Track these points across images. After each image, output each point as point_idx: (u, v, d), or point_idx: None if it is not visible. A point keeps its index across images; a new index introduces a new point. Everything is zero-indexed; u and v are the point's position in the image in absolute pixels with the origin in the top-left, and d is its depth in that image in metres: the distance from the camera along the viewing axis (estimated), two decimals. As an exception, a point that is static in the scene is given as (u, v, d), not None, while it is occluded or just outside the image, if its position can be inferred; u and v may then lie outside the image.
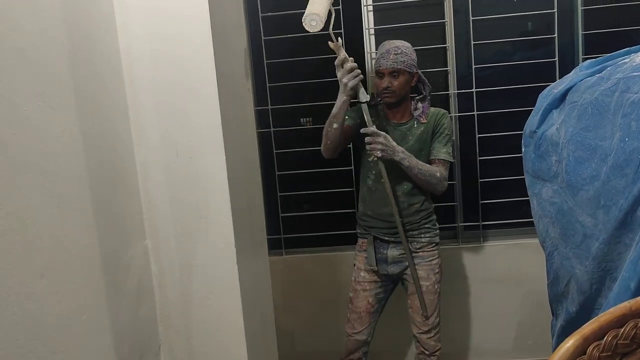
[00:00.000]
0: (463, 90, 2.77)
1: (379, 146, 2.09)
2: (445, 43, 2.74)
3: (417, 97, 2.30)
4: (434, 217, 2.33)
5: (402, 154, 2.13)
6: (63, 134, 1.07)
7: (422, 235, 2.28)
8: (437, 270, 2.29)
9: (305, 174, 2.92)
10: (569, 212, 1.56)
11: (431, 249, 2.29)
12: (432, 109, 2.30)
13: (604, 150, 1.42)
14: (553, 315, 1.82)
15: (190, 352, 1.47)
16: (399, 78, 2.19)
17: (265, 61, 2.79)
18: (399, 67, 2.17)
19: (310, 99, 2.81)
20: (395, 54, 2.17)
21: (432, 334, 2.30)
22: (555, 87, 1.67)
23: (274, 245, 2.94)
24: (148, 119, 1.39)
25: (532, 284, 2.62)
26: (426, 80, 2.32)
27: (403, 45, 2.22)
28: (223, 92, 1.40)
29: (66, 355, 1.04)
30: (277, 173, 2.90)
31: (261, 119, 2.87)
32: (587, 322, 1.70)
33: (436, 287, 2.29)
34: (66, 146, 1.08)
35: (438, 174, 2.20)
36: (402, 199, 2.24)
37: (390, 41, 2.25)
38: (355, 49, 2.73)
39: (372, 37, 2.78)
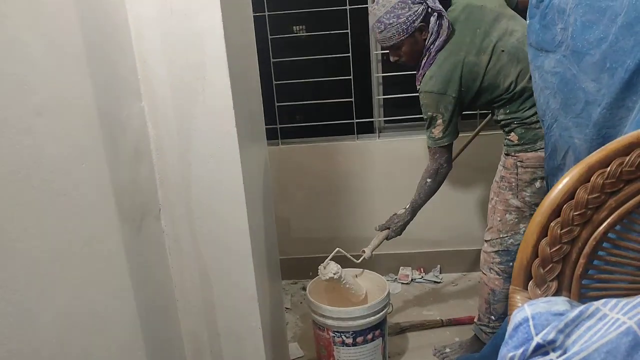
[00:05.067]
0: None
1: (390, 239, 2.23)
2: None
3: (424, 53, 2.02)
4: None
5: (402, 217, 2.21)
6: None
7: None
8: None
9: (303, 62, 2.86)
10: (571, 80, 1.54)
11: None
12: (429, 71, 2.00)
13: (614, 10, 1.37)
14: (548, 191, 1.84)
15: (191, 217, 1.48)
16: (401, 48, 2.00)
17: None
18: (392, 43, 1.97)
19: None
20: (380, 32, 1.96)
21: None
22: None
23: (270, 135, 2.92)
24: (139, -28, 1.32)
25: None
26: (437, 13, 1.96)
27: (384, 14, 1.93)
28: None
29: (67, 198, 1.03)
30: (272, 60, 2.83)
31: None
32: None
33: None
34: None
35: (425, 178, 2.14)
36: None
37: (372, 10, 1.98)
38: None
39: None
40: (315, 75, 2.89)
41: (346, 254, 2.25)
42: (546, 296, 0.81)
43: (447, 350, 2.29)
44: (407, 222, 2.22)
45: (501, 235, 2.02)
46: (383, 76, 2.87)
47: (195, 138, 1.42)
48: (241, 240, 1.51)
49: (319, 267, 2.14)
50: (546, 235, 0.80)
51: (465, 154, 2.51)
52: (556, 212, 0.81)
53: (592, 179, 0.81)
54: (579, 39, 1.48)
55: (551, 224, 0.80)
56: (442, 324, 2.53)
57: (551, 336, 0.72)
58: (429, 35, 1.96)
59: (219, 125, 1.42)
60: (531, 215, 1.99)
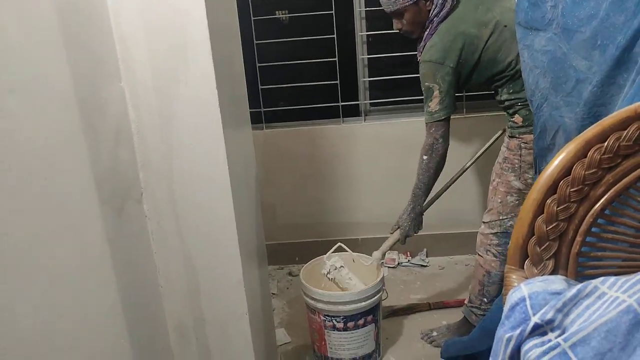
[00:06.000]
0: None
1: (403, 238, 2.19)
2: None
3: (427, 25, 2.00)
4: None
5: (406, 209, 2.17)
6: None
7: None
8: None
9: (287, 44, 2.81)
10: (562, 59, 1.51)
11: None
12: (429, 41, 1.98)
13: (605, -14, 1.35)
14: (536, 172, 1.83)
15: (173, 200, 1.44)
16: (404, 16, 1.97)
17: None
18: (395, 7, 1.94)
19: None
20: None
21: None
22: None
23: (254, 119, 2.87)
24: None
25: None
26: None
27: None
28: None
29: (46, 182, 0.99)
30: (255, 42, 2.78)
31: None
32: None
33: None
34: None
35: (421, 155, 2.07)
36: None
37: None
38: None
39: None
40: (300, 57, 2.83)
41: (351, 252, 2.23)
42: (543, 275, 0.78)
43: (435, 333, 2.29)
44: (414, 212, 2.15)
45: (501, 217, 2.01)
46: (369, 58, 2.83)
47: (177, 121, 1.38)
48: (227, 225, 1.48)
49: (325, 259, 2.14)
50: (542, 213, 0.78)
51: (453, 136, 2.48)
52: (552, 188, 0.79)
53: (589, 154, 0.78)
54: (569, 16, 1.45)
55: (547, 200, 0.78)
56: (429, 307, 2.52)
57: (549, 316, 0.70)
58: (433, 6, 1.95)
59: (202, 108, 1.37)
60: None
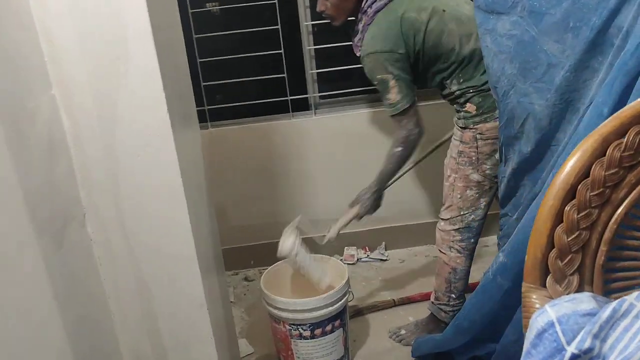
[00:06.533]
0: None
1: (363, 213, 2.08)
2: None
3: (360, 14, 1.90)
4: None
5: (369, 189, 2.05)
6: None
7: None
8: None
9: (229, 37, 2.64)
10: (530, 43, 1.44)
11: None
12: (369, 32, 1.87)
13: (575, -36, 1.28)
14: (502, 161, 1.77)
15: (122, 219, 1.28)
16: None
17: None
18: None
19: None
20: None
21: None
22: None
23: (199, 119, 2.70)
24: None
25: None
26: None
27: None
28: None
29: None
30: (194, 36, 2.60)
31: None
32: (541, 162, 1.65)
33: None
34: None
35: (394, 147, 1.92)
36: None
37: None
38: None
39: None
40: (244, 50, 2.68)
41: (308, 227, 2.08)
42: (568, 293, 0.69)
43: (403, 332, 2.21)
44: (377, 193, 2.05)
45: (462, 213, 1.94)
46: (315, 49, 2.71)
47: (120, 126, 1.22)
48: (183, 239, 1.33)
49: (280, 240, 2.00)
50: (561, 222, 0.69)
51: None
52: (570, 193, 0.69)
53: (607, 152, 0.69)
54: (536, -2, 1.39)
55: (566, 208, 0.69)
56: (394, 303, 2.45)
57: (587, 344, 0.61)
58: None
59: (148, 110, 1.22)
60: (491, 188, 1.91)
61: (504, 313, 1.53)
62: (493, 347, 1.68)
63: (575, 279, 0.69)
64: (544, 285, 0.70)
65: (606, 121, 0.72)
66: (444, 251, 2.02)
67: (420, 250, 2.92)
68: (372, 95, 2.70)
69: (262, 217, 2.85)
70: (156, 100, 1.21)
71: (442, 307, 2.09)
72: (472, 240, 1.98)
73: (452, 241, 1.98)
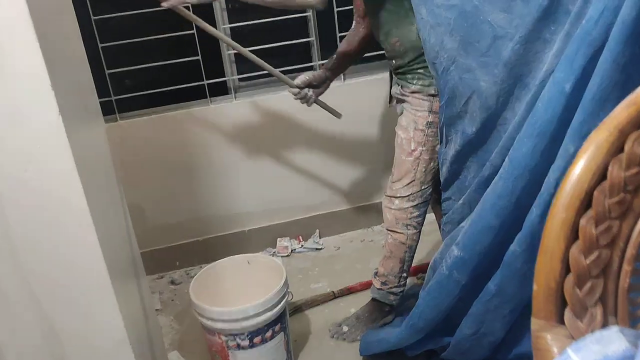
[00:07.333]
0: None
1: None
2: None
3: None
4: None
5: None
6: None
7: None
8: None
9: (133, 17, 2.36)
10: (473, 14, 1.31)
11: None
12: None
13: None
14: (442, 142, 1.65)
15: (13, 251, 1.04)
16: None
17: None
18: None
19: None
20: None
21: None
22: None
23: (105, 111, 2.41)
24: None
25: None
26: None
27: None
28: None
29: None
30: (93, 18, 2.30)
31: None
32: (488, 142, 1.54)
33: None
34: None
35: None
36: None
37: None
38: None
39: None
40: (152, 32, 2.41)
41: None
42: (592, 330, 0.55)
43: (345, 328, 2.09)
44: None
45: (423, 187, 1.85)
46: (231, 27, 2.48)
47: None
48: (92, 262, 1.12)
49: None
50: (577, 239, 0.54)
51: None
52: (585, 201, 0.55)
53: (626, 147, 0.55)
54: (478, -37, 1.25)
55: (581, 221, 0.54)
56: (334, 295, 2.32)
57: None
58: None
59: (30, 105, 0.99)
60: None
61: (460, 306, 1.43)
62: (447, 340, 1.58)
63: (598, 311, 0.55)
64: (561, 322, 0.55)
65: (618, 108, 0.57)
66: (400, 231, 1.90)
67: (355, 235, 2.81)
68: (293, 74, 2.52)
69: (184, 214, 2.62)
70: (41, 95, 0.98)
71: (393, 289, 2.00)
72: (425, 213, 1.94)
73: (409, 218, 1.89)
